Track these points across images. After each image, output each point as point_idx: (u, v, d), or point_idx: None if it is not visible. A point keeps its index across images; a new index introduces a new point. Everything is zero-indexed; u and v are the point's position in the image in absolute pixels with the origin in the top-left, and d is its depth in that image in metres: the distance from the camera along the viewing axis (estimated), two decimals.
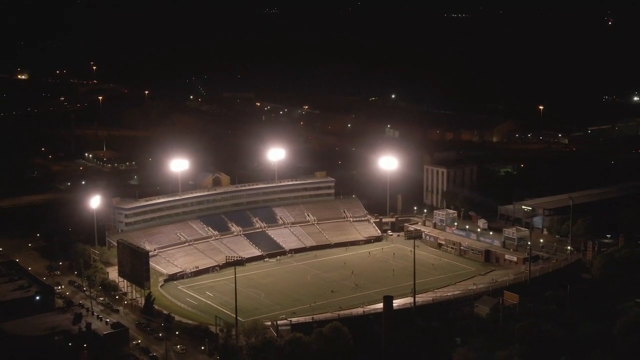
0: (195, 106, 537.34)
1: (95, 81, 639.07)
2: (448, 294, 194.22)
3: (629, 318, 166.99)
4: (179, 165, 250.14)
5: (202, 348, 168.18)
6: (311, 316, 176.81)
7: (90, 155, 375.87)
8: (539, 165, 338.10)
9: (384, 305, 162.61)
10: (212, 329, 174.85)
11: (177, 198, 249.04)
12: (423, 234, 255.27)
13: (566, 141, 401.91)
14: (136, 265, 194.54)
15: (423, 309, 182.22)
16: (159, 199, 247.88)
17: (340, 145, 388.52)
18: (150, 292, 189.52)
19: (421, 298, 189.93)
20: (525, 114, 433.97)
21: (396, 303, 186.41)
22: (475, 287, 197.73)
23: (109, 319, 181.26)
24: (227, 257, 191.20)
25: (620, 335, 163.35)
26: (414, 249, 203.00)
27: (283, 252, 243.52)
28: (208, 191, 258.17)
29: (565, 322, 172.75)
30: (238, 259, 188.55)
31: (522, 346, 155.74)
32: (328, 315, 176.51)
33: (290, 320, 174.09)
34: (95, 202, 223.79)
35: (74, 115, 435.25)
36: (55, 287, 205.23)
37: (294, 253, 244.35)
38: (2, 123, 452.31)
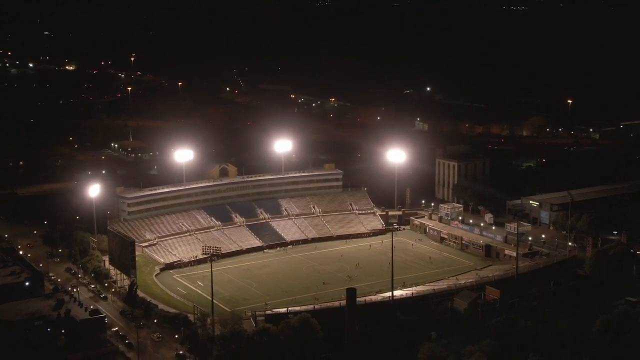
0: (231, 98, 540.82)
1: (138, 73, 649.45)
2: (433, 288, 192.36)
3: (609, 316, 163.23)
4: (183, 155, 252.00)
5: (176, 336, 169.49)
6: (286, 308, 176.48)
7: (116, 145, 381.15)
8: (562, 160, 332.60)
9: (346, 297, 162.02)
10: (192, 318, 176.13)
11: (181, 188, 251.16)
12: (427, 227, 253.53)
13: (597, 136, 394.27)
14: (123, 253, 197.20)
15: (403, 302, 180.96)
16: (162, 188, 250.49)
17: (366, 138, 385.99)
18: (133, 281, 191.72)
19: (404, 292, 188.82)
20: (558, 108, 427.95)
21: (380, 297, 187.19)
22: (463, 282, 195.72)
23: (92, 306, 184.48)
24: (204, 248, 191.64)
25: (598, 333, 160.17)
26: (392, 243, 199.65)
27: (284, 244, 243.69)
28: (214, 182, 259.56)
29: (546, 319, 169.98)
30: (215, 250, 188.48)
31: (492, 342, 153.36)
32: (304, 307, 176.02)
33: (265, 312, 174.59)
34: (94, 191, 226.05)
35: (101, 106, 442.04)
36: (51, 274, 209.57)
37: (295, 245, 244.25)
38: (38, 112, 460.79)
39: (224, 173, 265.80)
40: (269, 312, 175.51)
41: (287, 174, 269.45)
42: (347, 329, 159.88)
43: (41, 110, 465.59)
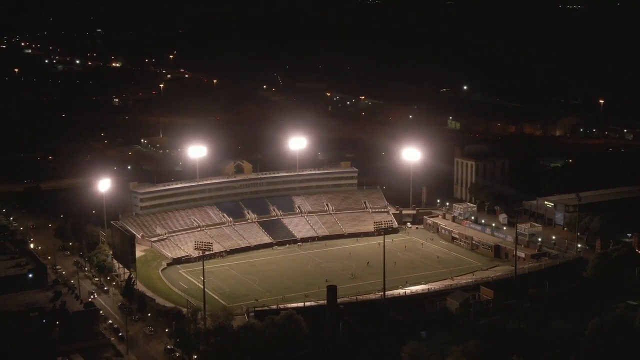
0: (267, 96, 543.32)
1: (181, 70, 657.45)
2: (428, 287, 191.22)
3: (603, 319, 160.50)
4: (196, 151, 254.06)
5: (167, 330, 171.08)
6: (276, 305, 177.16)
7: (145, 141, 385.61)
8: (589, 160, 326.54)
9: (327, 295, 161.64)
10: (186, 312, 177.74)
11: (193, 184, 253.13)
12: (440, 227, 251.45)
13: (631, 137, 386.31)
14: (124, 247, 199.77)
15: (396, 301, 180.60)
16: (175, 184, 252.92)
17: (392, 136, 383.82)
18: (130, 275, 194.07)
19: (400, 291, 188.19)
20: (593, 108, 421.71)
21: (375, 296, 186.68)
22: (464, 282, 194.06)
23: (93, 298, 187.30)
24: (196, 243, 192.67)
25: (589, 336, 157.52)
26: (384, 243, 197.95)
27: (294, 241, 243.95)
28: (227, 178, 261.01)
29: (539, 321, 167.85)
30: (207, 246, 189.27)
31: (478, 342, 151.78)
32: (294, 304, 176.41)
33: (255, 308, 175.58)
34: (104, 185, 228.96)
35: (133, 102, 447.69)
36: (58, 267, 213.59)
37: (305, 242, 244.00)
38: (72, 108, 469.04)
39: (239, 170, 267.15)
40: (259, 307, 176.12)
41: (302, 171, 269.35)
42: (328, 326, 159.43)
43: (75, 106, 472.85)
